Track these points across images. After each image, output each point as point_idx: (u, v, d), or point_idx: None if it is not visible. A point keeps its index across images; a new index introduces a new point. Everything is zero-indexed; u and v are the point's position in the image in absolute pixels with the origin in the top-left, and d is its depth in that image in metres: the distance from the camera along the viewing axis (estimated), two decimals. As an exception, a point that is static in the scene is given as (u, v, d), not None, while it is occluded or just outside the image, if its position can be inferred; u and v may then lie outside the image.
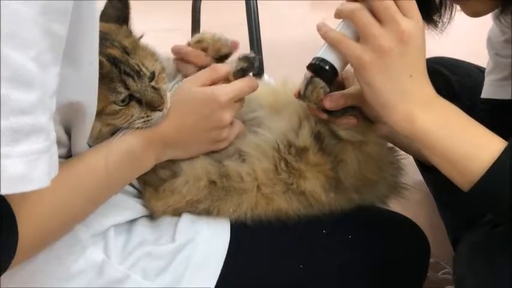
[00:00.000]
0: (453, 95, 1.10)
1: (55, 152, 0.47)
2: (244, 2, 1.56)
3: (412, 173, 1.10)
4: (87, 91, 0.55)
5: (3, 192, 0.42)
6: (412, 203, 1.22)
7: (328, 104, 0.69)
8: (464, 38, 1.53)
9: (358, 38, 0.61)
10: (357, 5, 0.60)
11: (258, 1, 1.55)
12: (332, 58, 0.65)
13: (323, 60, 0.65)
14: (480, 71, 1.09)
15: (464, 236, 0.71)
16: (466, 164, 0.57)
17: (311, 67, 0.67)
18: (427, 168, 0.97)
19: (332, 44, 0.63)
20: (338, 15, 0.63)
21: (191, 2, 1.97)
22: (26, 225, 0.50)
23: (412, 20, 0.58)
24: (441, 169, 0.60)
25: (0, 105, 0.40)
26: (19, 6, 0.41)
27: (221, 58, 0.76)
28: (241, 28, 1.54)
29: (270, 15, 2.20)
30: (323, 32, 0.63)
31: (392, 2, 0.58)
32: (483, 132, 0.59)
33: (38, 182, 0.44)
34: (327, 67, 0.65)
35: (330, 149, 0.73)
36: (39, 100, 0.44)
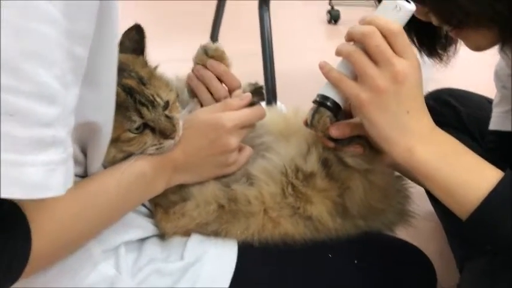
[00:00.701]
0: (463, 126, 1.11)
1: (71, 165, 0.51)
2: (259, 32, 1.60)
3: (423, 202, 1.10)
4: (104, 112, 0.58)
5: (24, 197, 0.45)
6: (422, 231, 1.23)
7: (334, 132, 0.71)
8: (477, 68, 1.54)
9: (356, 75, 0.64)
10: (352, 47, 0.64)
11: (273, 30, 1.60)
12: (334, 93, 0.69)
13: (325, 97, 0.70)
14: (490, 103, 1.10)
15: (467, 264, 0.71)
16: (463, 193, 0.59)
17: (315, 103, 0.71)
18: (435, 197, 0.98)
19: (333, 83, 0.67)
20: (337, 54, 0.66)
21: (208, 32, 2.03)
22: (40, 237, 0.53)
23: (406, 59, 0.61)
24: (441, 199, 0.62)
25: (25, 117, 0.44)
26: (46, 29, 0.44)
27: None
28: (257, 57, 1.58)
29: (285, 44, 2.24)
30: (325, 71, 0.67)
31: (386, 43, 0.61)
32: (480, 163, 0.61)
33: (55, 190, 0.47)
34: (329, 103, 0.70)
35: (337, 175, 0.74)
36: (60, 115, 0.47)
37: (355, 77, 0.65)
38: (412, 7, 0.65)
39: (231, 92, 0.79)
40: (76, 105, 0.51)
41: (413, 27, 0.83)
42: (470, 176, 0.59)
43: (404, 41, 0.61)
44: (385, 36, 0.61)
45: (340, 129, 0.72)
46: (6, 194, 0.44)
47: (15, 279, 0.52)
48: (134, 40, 0.71)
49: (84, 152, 0.62)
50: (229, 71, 0.80)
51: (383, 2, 0.66)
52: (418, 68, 0.62)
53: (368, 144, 0.75)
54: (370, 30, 0.61)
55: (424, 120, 0.63)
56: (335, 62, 0.69)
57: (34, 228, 0.52)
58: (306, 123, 0.74)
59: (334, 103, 0.70)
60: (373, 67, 0.61)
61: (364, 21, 0.63)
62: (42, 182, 0.46)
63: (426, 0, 0.67)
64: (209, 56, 0.80)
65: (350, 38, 0.65)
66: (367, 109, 0.62)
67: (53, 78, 0.45)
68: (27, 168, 0.44)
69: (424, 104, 0.63)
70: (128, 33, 0.72)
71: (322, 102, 0.70)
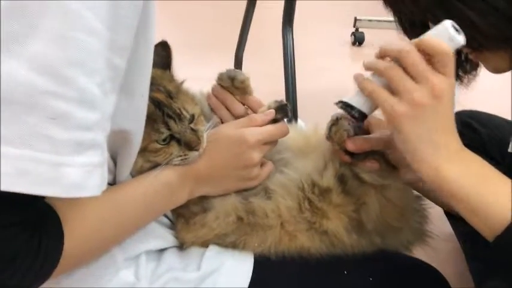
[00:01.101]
0: (483, 147, 1.11)
1: (106, 168, 0.53)
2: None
3: (442, 223, 1.10)
4: (136, 121, 0.61)
5: (62, 195, 0.48)
6: (441, 252, 1.22)
7: (350, 146, 0.72)
8: (499, 91, 1.54)
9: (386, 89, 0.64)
10: (388, 62, 0.64)
11: (296, 51, 1.63)
12: (361, 104, 0.69)
13: (351, 105, 0.69)
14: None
15: (485, 284, 0.71)
16: (489, 213, 0.58)
17: (340, 106, 0.71)
18: (454, 218, 0.98)
19: (366, 93, 0.66)
20: (369, 68, 0.66)
21: (232, 52, 2.07)
22: (70, 238, 0.55)
23: (444, 75, 0.60)
24: (467, 219, 0.61)
25: (66, 120, 0.47)
26: (89, 39, 0.47)
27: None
28: (279, 77, 1.62)
29: (308, 65, 2.26)
30: (359, 81, 0.67)
31: (422, 60, 0.61)
32: (507, 183, 0.60)
33: (92, 190, 0.50)
34: (354, 112, 0.69)
35: (353, 191, 0.75)
36: (99, 120, 0.50)
37: (388, 87, 0.64)
38: (461, 40, 0.63)
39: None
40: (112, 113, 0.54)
41: None
42: (497, 196, 0.59)
43: (450, 61, 0.61)
44: (429, 55, 0.61)
45: (357, 144, 0.73)
46: (46, 193, 0.47)
47: (45, 278, 0.54)
48: (161, 56, 0.74)
49: (114, 160, 0.65)
50: (253, 98, 0.83)
51: (436, 28, 0.64)
52: (454, 85, 0.62)
53: (384, 161, 0.76)
54: (407, 47, 0.62)
55: (454, 139, 0.63)
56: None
57: (66, 230, 0.55)
58: (326, 137, 0.75)
59: (360, 112, 0.69)
60: (411, 81, 0.61)
61: (414, 43, 0.62)
62: (80, 182, 0.49)
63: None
64: (234, 86, 0.82)
65: (384, 54, 0.65)
66: (401, 122, 0.62)
67: (94, 85, 0.48)
68: (65, 169, 0.47)
69: (454, 122, 0.63)
70: (155, 49, 0.75)
71: (350, 111, 0.70)
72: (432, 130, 0.61)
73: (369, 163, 0.75)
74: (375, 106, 0.69)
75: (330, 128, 0.74)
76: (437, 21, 0.67)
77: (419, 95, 0.60)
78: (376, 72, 0.66)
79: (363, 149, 0.73)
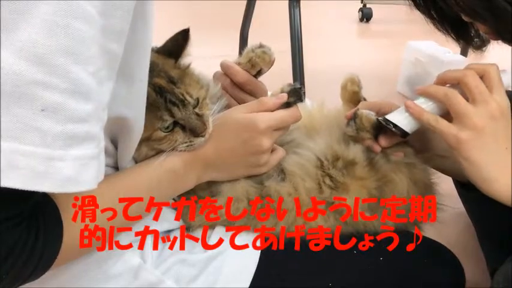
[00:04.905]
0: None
1: (103, 159, 0.52)
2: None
3: (454, 202, 1.09)
4: (135, 107, 0.59)
5: (55, 191, 0.46)
6: (452, 231, 1.21)
7: (383, 142, 0.76)
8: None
9: (438, 112, 0.69)
10: (448, 88, 0.67)
11: (303, 28, 1.60)
12: (405, 122, 0.73)
13: (395, 125, 0.73)
14: None
15: (499, 266, 0.70)
16: None
17: (385, 123, 0.75)
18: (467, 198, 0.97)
19: (429, 124, 0.69)
20: (427, 94, 0.70)
21: (238, 29, 2.04)
22: (71, 231, 0.54)
23: (498, 95, 0.64)
24: None
25: (58, 112, 0.45)
26: (82, 26, 0.45)
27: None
28: (286, 55, 1.59)
29: (315, 42, 2.23)
30: (417, 113, 0.70)
31: (483, 84, 0.64)
32: None
33: (87, 184, 0.48)
34: (396, 130, 0.73)
35: (379, 166, 0.76)
36: (94, 111, 0.48)
37: (437, 114, 0.69)
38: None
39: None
40: (109, 100, 0.52)
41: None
42: None
43: (497, 78, 0.65)
44: (480, 76, 0.65)
45: (390, 140, 0.76)
46: (38, 188, 0.45)
47: (44, 271, 0.53)
48: (176, 44, 0.71)
49: (114, 144, 0.64)
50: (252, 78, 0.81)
51: None
52: (509, 105, 0.65)
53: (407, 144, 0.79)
54: (470, 71, 0.66)
55: None
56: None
57: (65, 222, 0.54)
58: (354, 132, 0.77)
59: (403, 131, 0.73)
60: (469, 106, 0.64)
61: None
62: (75, 176, 0.47)
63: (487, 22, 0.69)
64: (252, 50, 0.80)
65: (444, 81, 0.69)
66: (466, 147, 0.65)
67: (88, 74, 0.47)
68: (57, 163, 0.45)
69: None
70: (176, 36, 0.72)
71: (389, 126, 0.73)
72: (499, 151, 0.64)
73: (396, 153, 0.78)
74: (416, 126, 0.73)
75: (354, 121, 0.75)
76: None
77: (480, 120, 0.63)
78: (435, 98, 0.69)
79: (394, 142, 0.76)
